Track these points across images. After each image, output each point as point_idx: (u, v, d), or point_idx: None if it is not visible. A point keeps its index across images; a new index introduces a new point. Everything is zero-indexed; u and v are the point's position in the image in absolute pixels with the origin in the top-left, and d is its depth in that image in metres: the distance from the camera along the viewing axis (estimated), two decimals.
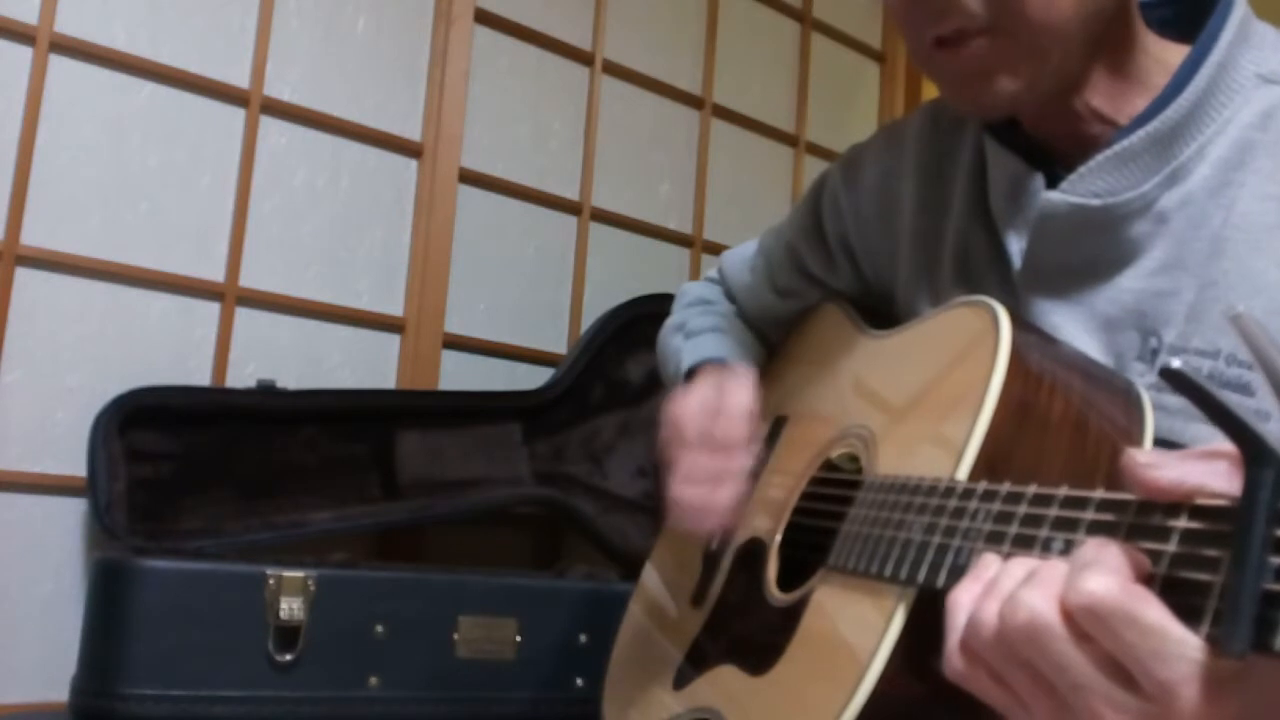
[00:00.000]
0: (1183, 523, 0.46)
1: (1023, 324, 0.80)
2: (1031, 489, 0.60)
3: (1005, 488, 0.62)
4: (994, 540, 0.61)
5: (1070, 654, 0.49)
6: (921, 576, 0.66)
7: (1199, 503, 0.46)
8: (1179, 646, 0.45)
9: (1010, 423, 0.72)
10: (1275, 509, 0.41)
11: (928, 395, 0.83)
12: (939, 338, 0.87)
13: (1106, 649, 0.48)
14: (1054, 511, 0.58)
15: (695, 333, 1.23)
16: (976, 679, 0.56)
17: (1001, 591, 0.54)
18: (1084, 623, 0.48)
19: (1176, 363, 0.43)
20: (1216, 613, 0.43)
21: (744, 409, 1.03)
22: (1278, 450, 0.41)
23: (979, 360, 0.75)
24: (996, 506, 0.62)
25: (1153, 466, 0.50)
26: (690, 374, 1.18)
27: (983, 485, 0.65)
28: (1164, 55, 0.87)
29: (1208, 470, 0.47)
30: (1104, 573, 0.47)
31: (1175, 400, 0.68)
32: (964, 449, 0.71)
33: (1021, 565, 0.55)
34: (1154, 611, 0.46)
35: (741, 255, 1.29)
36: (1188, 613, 0.44)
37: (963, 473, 0.70)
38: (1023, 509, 0.59)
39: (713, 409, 1.04)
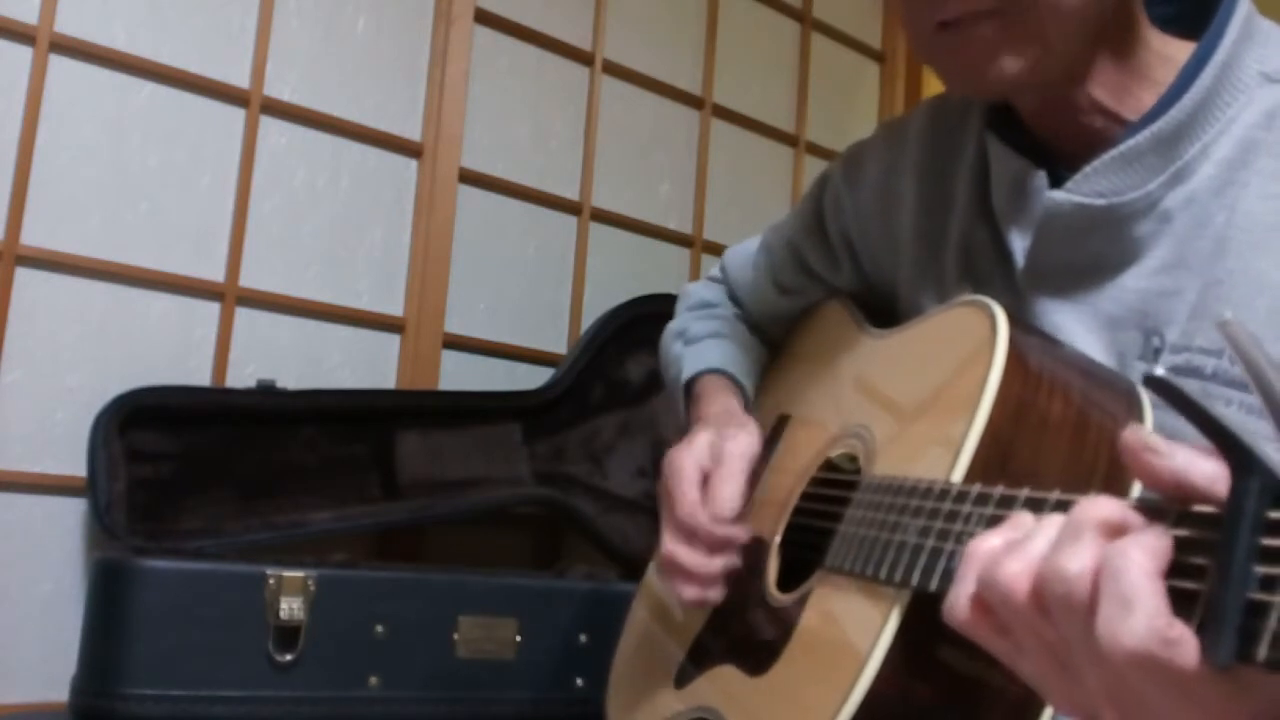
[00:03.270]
0: (1171, 529, 0.46)
1: (1022, 324, 0.80)
2: (1024, 493, 0.60)
3: (998, 491, 0.62)
4: None
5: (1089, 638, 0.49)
6: (915, 579, 0.66)
7: (1187, 509, 0.46)
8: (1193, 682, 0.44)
9: (1008, 423, 0.72)
10: (1260, 518, 0.41)
11: (926, 395, 0.83)
12: (938, 338, 0.87)
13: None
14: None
15: (695, 339, 1.23)
16: (978, 628, 0.55)
17: (1032, 553, 0.53)
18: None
19: (1160, 370, 0.43)
20: (1201, 622, 0.43)
21: (739, 471, 1.01)
22: (1264, 459, 0.41)
23: (977, 360, 0.75)
24: (989, 510, 0.62)
25: (1155, 453, 0.49)
26: (690, 384, 1.18)
27: (976, 488, 0.65)
28: (1168, 51, 0.87)
29: (1213, 474, 0.47)
30: (1143, 617, 0.46)
31: None
32: (961, 449, 0.71)
33: (1054, 525, 0.53)
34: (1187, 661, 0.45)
35: (744, 252, 1.29)
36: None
37: (959, 473, 0.70)
38: (1015, 513, 0.59)
39: (708, 468, 1.02)
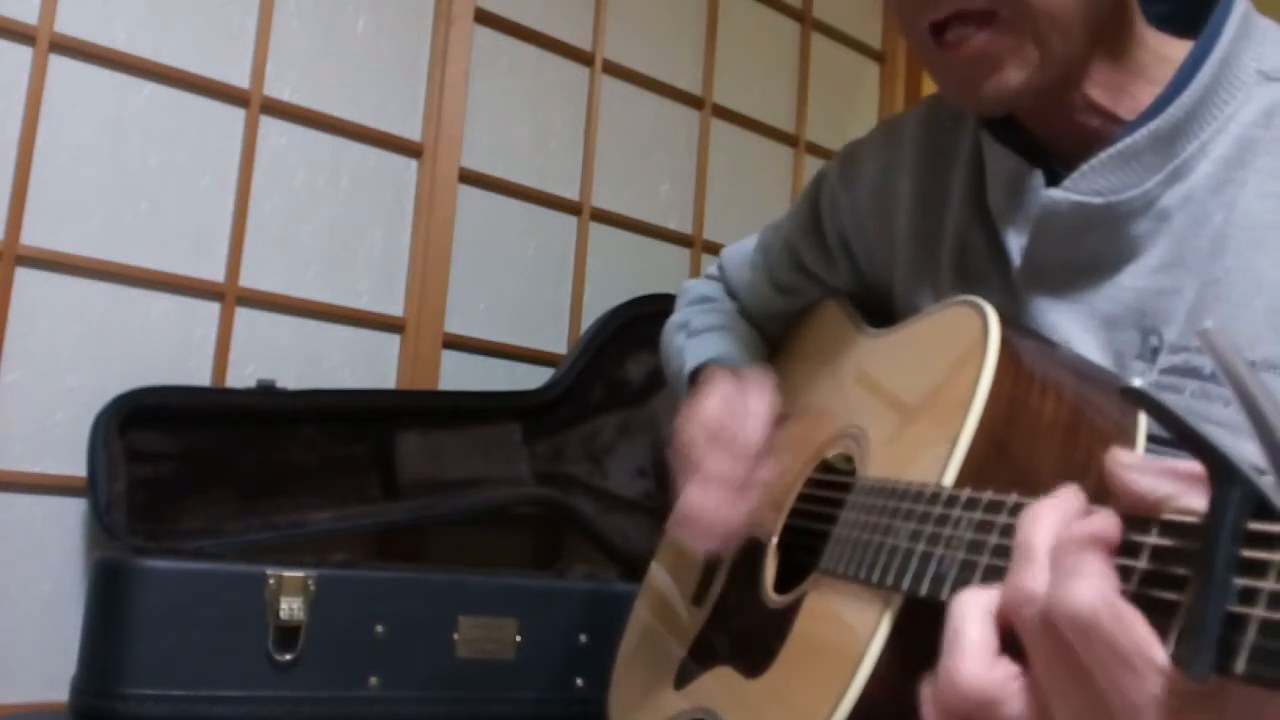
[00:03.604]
0: (1153, 539, 0.46)
1: (1015, 325, 0.80)
2: (1012, 498, 0.60)
3: (987, 496, 0.62)
4: (974, 550, 0.60)
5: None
6: (906, 584, 0.66)
7: (1170, 519, 0.46)
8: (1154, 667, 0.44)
9: (1001, 425, 0.72)
10: (1240, 529, 0.41)
11: (919, 396, 0.82)
12: (931, 338, 0.87)
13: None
14: None
15: (698, 331, 1.23)
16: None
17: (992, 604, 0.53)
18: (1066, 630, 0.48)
19: (1138, 381, 0.43)
20: (1181, 633, 0.43)
21: (766, 415, 1.00)
22: (1243, 469, 0.41)
23: (970, 361, 0.75)
24: (978, 515, 0.62)
25: (1131, 468, 0.49)
26: (694, 374, 1.18)
27: (966, 493, 0.65)
28: (1164, 50, 0.86)
29: (1185, 488, 0.47)
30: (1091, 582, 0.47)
31: (1172, 399, 0.68)
32: (953, 452, 0.71)
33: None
34: (1139, 630, 0.45)
35: (741, 251, 1.29)
36: (1155, 632, 0.44)
37: (951, 475, 0.70)
38: (1002, 518, 0.59)
39: (736, 413, 1.00)
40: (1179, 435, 0.42)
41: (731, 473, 0.96)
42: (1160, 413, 0.43)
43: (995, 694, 0.50)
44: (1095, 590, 0.46)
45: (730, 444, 0.98)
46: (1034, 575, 0.49)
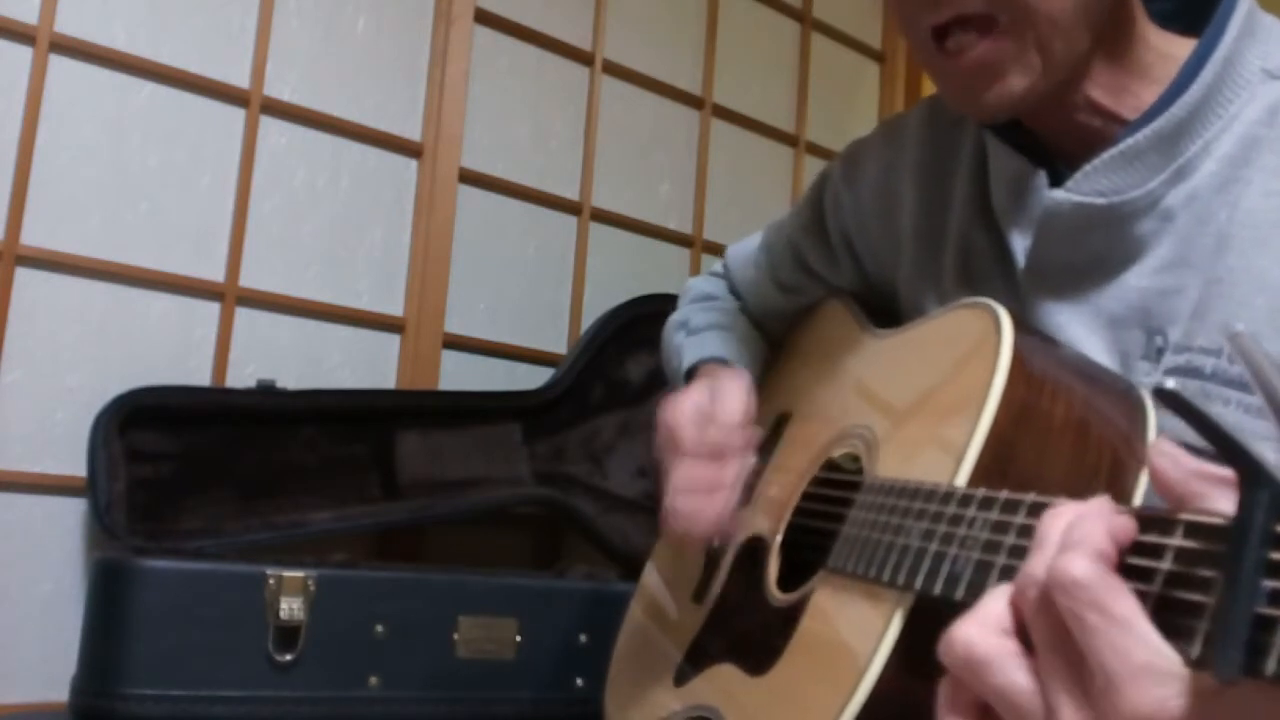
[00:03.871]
0: (1178, 540, 0.46)
1: (1025, 327, 0.80)
2: (1029, 498, 0.59)
3: (1003, 495, 0.62)
4: (990, 550, 0.60)
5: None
6: (919, 583, 0.66)
7: (1196, 520, 0.46)
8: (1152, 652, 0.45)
9: (1011, 427, 0.72)
10: (1269, 531, 0.41)
11: (929, 398, 0.82)
12: (941, 340, 0.87)
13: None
14: None
15: (697, 330, 1.23)
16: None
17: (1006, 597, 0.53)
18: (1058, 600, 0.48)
19: (1171, 383, 0.43)
20: (1208, 635, 0.43)
21: (738, 415, 1.02)
22: (1274, 472, 0.41)
23: (981, 364, 0.75)
24: (994, 515, 0.62)
25: (1168, 457, 0.49)
26: (690, 373, 1.18)
27: (981, 492, 0.64)
28: (1166, 48, 0.86)
29: (1212, 489, 0.47)
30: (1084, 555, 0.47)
31: None
32: (964, 453, 0.71)
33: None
34: (1125, 597, 0.46)
35: (745, 250, 1.30)
36: (1179, 633, 0.44)
37: (963, 477, 0.70)
38: (1019, 519, 0.59)
39: (707, 415, 1.03)
40: (1209, 435, 0.42)
41: (704, 476, 0.99)
42: (1191, 413, 0.43)
43: (984, 657, 0.50)
44: (1086, 562, 0.46)
45: (701, 448, 1.00)
46: (1039, 561, 0.50)
